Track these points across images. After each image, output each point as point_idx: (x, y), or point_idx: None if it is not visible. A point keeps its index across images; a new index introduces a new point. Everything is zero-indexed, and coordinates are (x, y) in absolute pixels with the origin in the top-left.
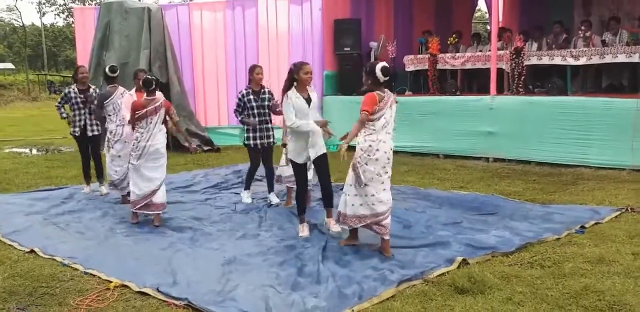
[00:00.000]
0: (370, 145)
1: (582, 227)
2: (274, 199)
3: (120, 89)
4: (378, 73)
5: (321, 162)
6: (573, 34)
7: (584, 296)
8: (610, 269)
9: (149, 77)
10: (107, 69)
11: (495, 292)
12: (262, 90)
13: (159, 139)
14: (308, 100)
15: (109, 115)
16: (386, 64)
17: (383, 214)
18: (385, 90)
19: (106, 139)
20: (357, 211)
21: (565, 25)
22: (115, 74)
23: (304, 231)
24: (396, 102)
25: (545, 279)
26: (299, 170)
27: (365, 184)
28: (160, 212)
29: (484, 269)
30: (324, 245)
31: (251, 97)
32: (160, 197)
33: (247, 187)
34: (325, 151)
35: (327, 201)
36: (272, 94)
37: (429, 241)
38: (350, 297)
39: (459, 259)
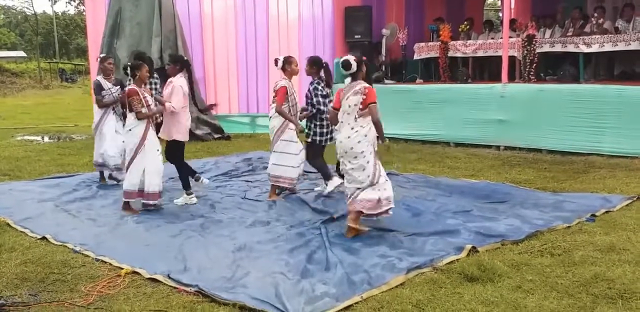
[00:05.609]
0: None
1: (593, 215)
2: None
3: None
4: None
5: None
6: (587, 21)
7: (594, 284)
8: (621, 258)
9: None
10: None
11: (504, 280)
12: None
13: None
14: None
15: None
16: None
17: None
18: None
19: None
20: None
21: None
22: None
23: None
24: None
25: (555, 267)
26: None
27: None
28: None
29: (494, 257)
30: (329, 232)
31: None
32: None
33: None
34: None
35: None
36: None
37: (439, 228)
38: (359, 284)
39: (468, 246)
